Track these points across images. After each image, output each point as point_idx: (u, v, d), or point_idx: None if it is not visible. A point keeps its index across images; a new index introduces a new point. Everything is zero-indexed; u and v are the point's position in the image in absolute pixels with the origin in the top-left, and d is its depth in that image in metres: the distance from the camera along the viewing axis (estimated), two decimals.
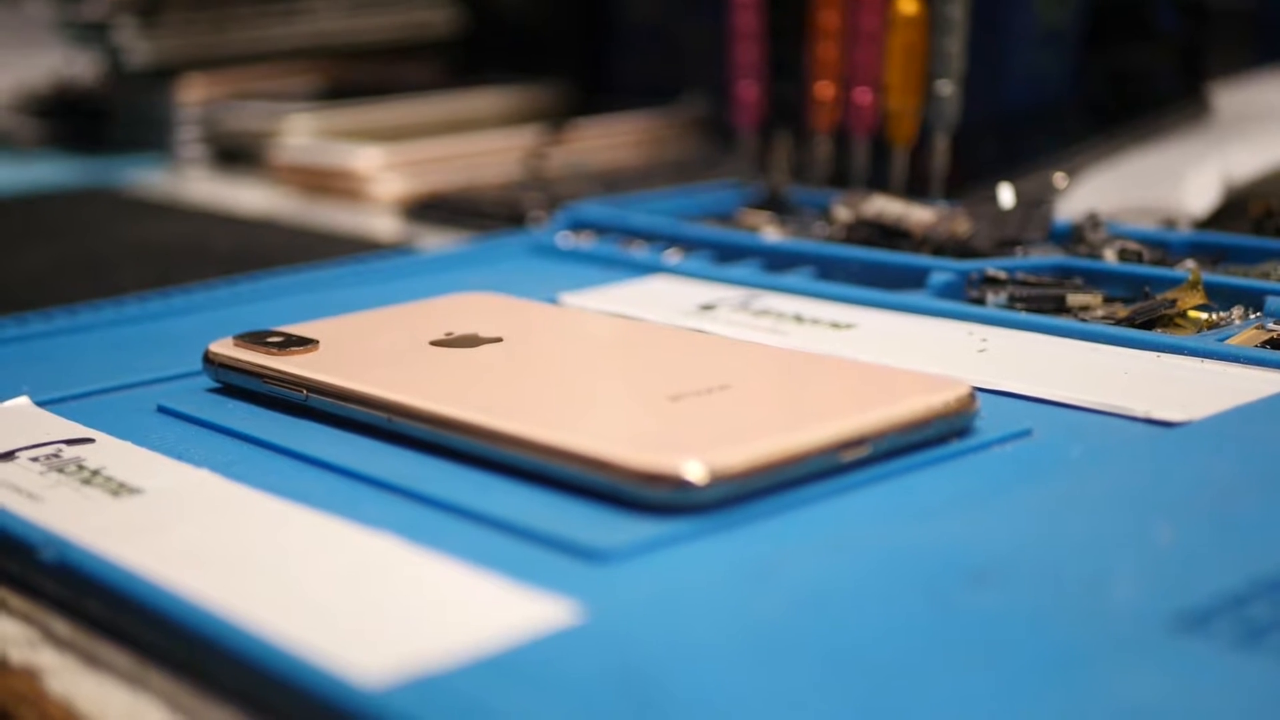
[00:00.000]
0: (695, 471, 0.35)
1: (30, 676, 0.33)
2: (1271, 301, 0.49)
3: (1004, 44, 0.83)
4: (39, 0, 1.09)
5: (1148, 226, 0.62)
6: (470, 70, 1.12)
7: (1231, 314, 0.50)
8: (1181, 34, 0.86)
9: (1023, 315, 0.51)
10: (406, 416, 0.41)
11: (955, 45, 0.68)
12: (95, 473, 0.39)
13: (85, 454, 0.41)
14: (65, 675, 0.33)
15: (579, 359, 0.47)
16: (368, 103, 1.00)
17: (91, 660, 0.33)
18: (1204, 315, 0.50)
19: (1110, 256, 0.57)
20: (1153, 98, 0.83)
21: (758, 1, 0.75)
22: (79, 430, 0.43)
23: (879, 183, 0.71)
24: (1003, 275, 0.54)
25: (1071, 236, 0.59)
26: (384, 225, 0.82)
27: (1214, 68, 0.84)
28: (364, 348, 0.47)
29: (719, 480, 0.35)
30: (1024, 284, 0.54)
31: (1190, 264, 0.55)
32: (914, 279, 0.56)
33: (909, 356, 0.47)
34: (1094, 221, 0.60)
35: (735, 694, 0.27)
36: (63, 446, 0.42)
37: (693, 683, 0.28)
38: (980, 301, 0.53)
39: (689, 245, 0.63)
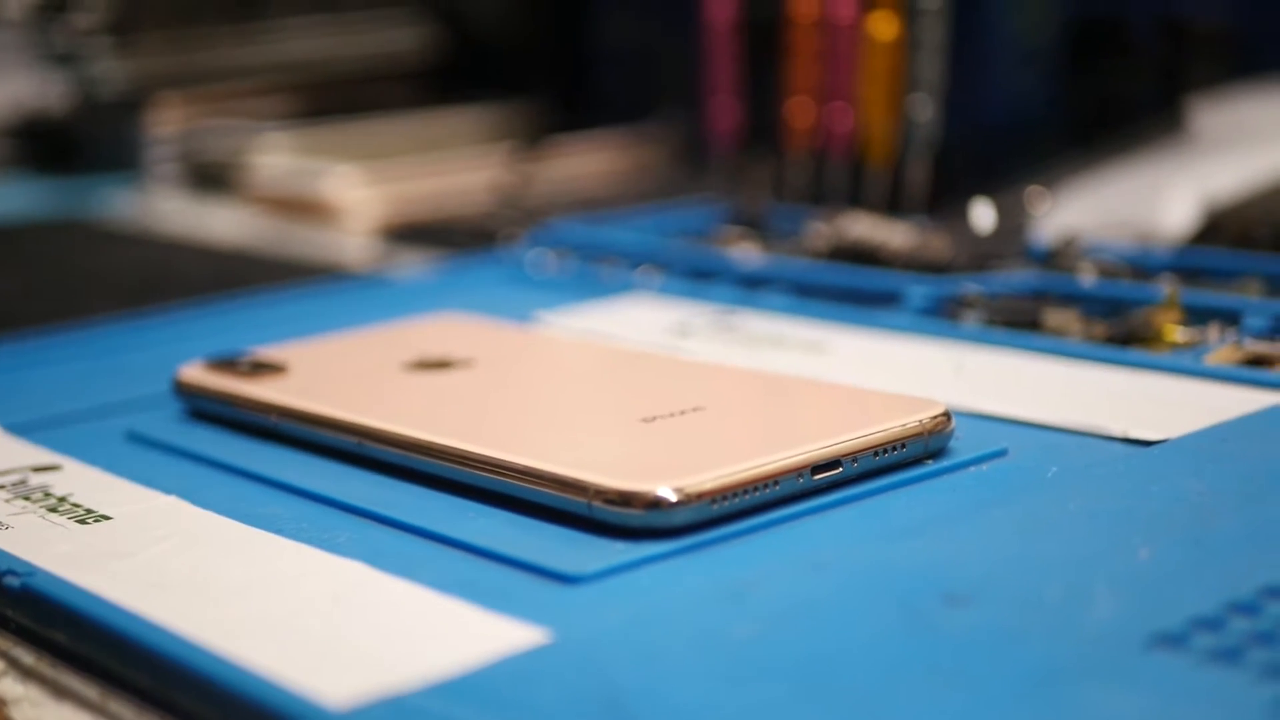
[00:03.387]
0: (667, 493, 0.34)
1: None
2: (1248, 320, 0.49)
3: (983, 63, 0.83)
4: (9, 24, 1.09)
5: (1125, 245, 0.61)
6: (447, 89, 1.12)
7: (1208, 332, 0.50)
8: (1161, 53, 0.86)
9: (999, 334, 0.50)
10: (377, 440, 0.40)
11: (933, 65, 0.68)
12: (62, 499, 0.39)
13: (52, 481, 0.40)
14: (30, 706, 0.32)
15: (552, 381, 0.46)
16: (342, 123, 1.00)
17: (58, 690, 0.33)
18: (1181, 333, 0.50)
19: (1087, 275, 0.57)
20: (1132, 116, 0.83)
21: (735, 22, 0.75)
22: (46, 457, 0.42)
23: (857, 202, 0.70)
24: (979, 294, 0.54)
25: (1049, 255, 0.59)
26: (359, 247, 0.82)
27: (1193, 86, 0.84)
28: (334, 371, 0.47)
29: (691, 502, 0.35)
30: (1001, 303, 0.53)
31: (1167, 281, 0.55)
32: (891, 298, 0.56)
33: (885, 376, 0.47)
34: (1071, 240, 0.59)
35: (709, 715, 0.27)
36: (29, 473, 0.41)
37: (666, 704, 0.27)
38: (957, 320, 0.53)
39: (665, 264, 0.63)
